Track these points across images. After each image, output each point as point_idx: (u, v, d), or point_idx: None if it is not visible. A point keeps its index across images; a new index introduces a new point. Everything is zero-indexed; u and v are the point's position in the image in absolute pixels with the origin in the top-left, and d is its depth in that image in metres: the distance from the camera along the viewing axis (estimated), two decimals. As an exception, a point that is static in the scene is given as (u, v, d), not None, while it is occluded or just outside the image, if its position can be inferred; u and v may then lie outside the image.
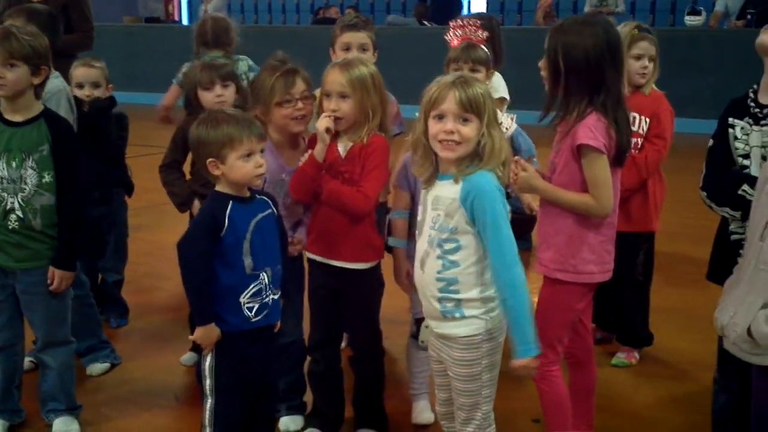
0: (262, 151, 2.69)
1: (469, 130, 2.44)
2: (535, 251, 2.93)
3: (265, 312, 2.72)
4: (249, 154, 2.64)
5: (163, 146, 3.61)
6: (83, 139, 3.32)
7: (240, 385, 2.73)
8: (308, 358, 3.28)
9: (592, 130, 2.68)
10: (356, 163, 2.95)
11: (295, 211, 3.22)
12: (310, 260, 3.15)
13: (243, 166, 2.63)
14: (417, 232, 2.66)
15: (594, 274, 2.80)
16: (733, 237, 2.76)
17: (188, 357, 3.89)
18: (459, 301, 2.51)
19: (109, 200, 4.21)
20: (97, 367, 3.85)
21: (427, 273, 2.56)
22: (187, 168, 3.58)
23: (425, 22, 13.24)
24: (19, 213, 3.05)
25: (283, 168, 3.13)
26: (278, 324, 2.83)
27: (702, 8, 11.68)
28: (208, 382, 2.71)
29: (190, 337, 2.74)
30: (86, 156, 3.28)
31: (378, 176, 2.96)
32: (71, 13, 5.38)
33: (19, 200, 3.05)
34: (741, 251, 2.51)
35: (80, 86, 4.00)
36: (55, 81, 3.55)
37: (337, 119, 2.93)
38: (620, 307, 4.03)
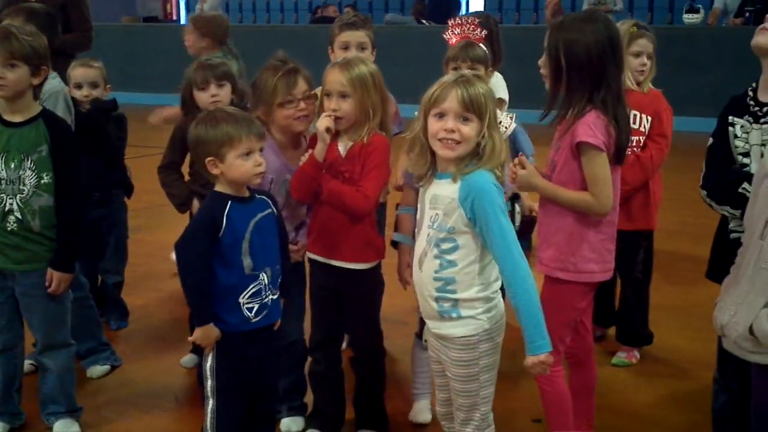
0: (261, 150, 2.69)
1: (470, 129, 2.44)
2: (535, 251, 2.92)
3: (265, 312, 2.72)
4: (248, 153, 2.64)
5: (162, 147, 3.61)
6: (82, 141, 3.31)
7: (240, 386, 2.72)
8: (309, 359, 3.27)
9: (591, 127, 2.68)
10: (356, 162, 2.95)
11: (299, 213, 3.22)
12: (310, 260, 3.14)
13: (242, 164, 2.63)
14: (416, 230, 2.65)
15: (595, 273, 2.80)
16: (733, 235, 2.75)
17: (188, 359, 3.89)
18: (456, 301, 2.51)
19: (108, 202, 4.20)
20: (97, 370, 3.84)
21: (424, 272, 2.55)
22: (185, 169, 3.58)
23: (423, 21, 13.24)
24: (18, 214, 3.05)
25: (287, 168, 3.12)
26: (278, 323, 2.82)
27: (700, 6, 11.69)
28: (209, 383, 2.71)
29: (190, 338, 2.73)
30: (85, 157, 3.28)
31: (378, 176, 2.96)
32: (70, 12, 5.38)
33: (18, 201, 3.04)
34: (739, 250, 2.50)
35: (78, 86, 4.00)
36: (53, 81, 3.54)
37: (337, 119, 2.93)
38: (620, 306, 4.03)
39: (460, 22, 3.52)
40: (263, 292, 2.70)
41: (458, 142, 2.44)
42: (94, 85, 4.02)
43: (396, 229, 3.23)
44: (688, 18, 11.65)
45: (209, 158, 2.62)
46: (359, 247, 3.01)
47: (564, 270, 2.77)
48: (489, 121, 2.45)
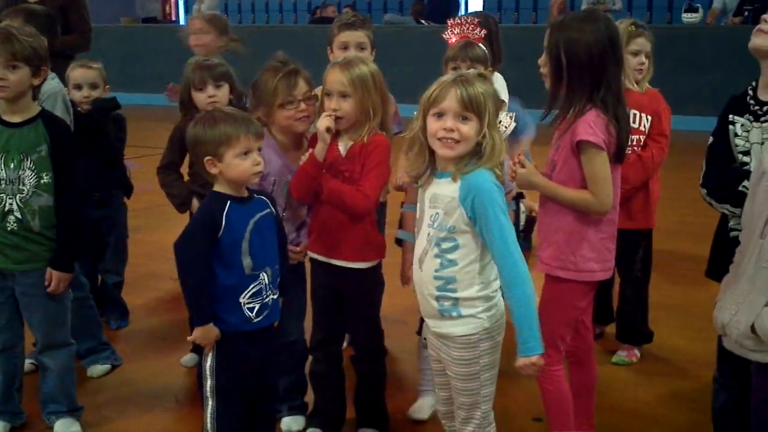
0: (259, 149, 2.69)
1: (469, 128, 2.44)
2: (535, 251, 2.93)
3: (266, 312, 2.72)
4: (246, 152, 2.64)
5: (162, 147, 3.61)
6: (81, 141, 3.31)
7: (240, 386, 2.72)
8: (309, 358, 3.28)
9: (591, 126, 2.68)
10: (356, 161, 2.95)
11: (300, 214, 3.22)
12: (311, 259, 3.14)
13: (240, 164, 2.63)
14: (416, 229, 2.66)
15: (595, 272, 2.80)
16: (733, 234, 2.75)
17: (189, 358, 3.89)
18: (456, 300, 2.51)
19: (108, 202, 4.20)
20: (97, 369, 3.85)
21: (425, 271, 2.55)
22: (185, 169, 3.58)
23: (422, 21, 13.25)
24: (18, 214, 3.05)
25: (288, 169, 3.12)
26: (276, 322, 2.82)
27: (699, 5, 11.69)
28: (209, 382, 2.70)
29: (189, 338, 2.73)
30: (85, 158, 3.28)
31: (378, 175, 2.96)
32: (69, 14, 5.38)
33: (18, 201, 3.05)
34: (737, 249, 2.50)
35: (78, 87, 4.00)
36: (51, 82, 3.55)
37: (337, 118, 2.93)
38: (620, 305, 4.04)
39: (459, 21, 3.52)
40: (264, 292, 2.71)
41: (457, 141, 2.44)
42: (93, 86, 4.02)
43: (400, 226, 3.23)
44: (687, 17, 11.66)
45: (207, 158, 2.62)
46: (359, 246, 3.01)
47: (564, 269, 2.78)
48: (488, 121, 2.45)
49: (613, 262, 2.85)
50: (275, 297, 2.76)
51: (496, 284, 2.53)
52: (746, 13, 11.02)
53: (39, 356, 3.28)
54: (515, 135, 2.74)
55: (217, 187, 2.69)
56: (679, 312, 4.56)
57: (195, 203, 3.43)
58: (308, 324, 3.26)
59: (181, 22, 17.87)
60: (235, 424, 2.73)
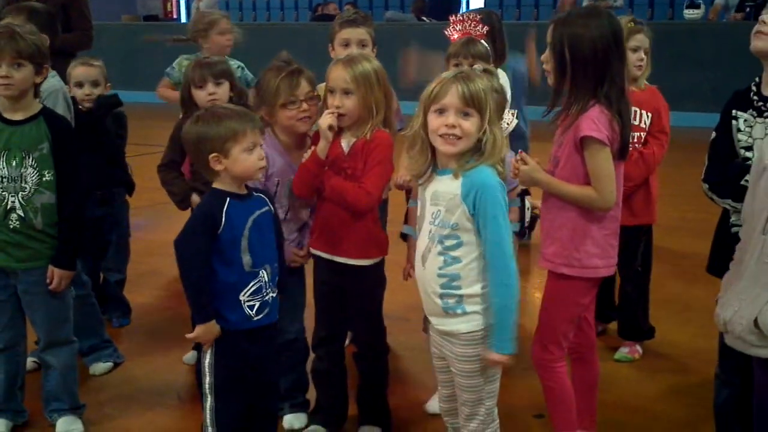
0: (260, 145, 2.69)
1: (470, 124, 2.44)
2: (538, 247, 2.92)
3: (266, 311, 2.72)
4: (252, 147, 2.64)
5: (163, 145, 3.61)
6: (82, 139, 3.31)
7: (240, 384, 2.72)
8: (312, 355, 3.28)
9: (595, 122, 2.67)
10: (359, 159, 2.95)
11: (301, 215, 3.22)
12: (314, 256, 3.15)
13: (247, 158, 2.64)
14: (417, 227, 2.66)
15: (599, 269, 2.80)
16: (734, 229, 2.75)
17: (191, 356, 3.89)
18: (461, 297, 2.51)
19: (110, 200, 4.20)
20: (99, 367, 3.85)
21: (428, 269, 2.55)
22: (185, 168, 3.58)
23: (423, 18, 13.24)
24: (20, 212, 3.05)
25: (292, 169, 3.12)
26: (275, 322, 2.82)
27: (701, 1, 11.69)
28: (207, 379, 2.70)
29: (189, 336, 2.70)
30: (86, 156, 3.28)
31: (380, 172, 2.96)
32: (70, 11, 5.38)
33: (20, 199, 3.05)
34: (737, 246, 2.50)
35: (79, 85, 4.00)
36: (51, 80, 3.55)
37: (340, 116, 2.93)
38: (621, 301, 4.04)
39: (461, 18, 3.52)
40: (263, 290, 2.70)
41: (459, 138, 2.44)
42: (95, 84, 4.02)
43: (405, 221, 3.23)
44: (689, 13, 11.66)
45: (214, 155, 2.61)
46: (362, 243, 3.01)
47: (568, 266, 2.77)
48: (489, 117, 2.45)
49: (616, 259, 2.85)
50: (275, 295, 2.76)
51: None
52: (748, 10, 11.01)
53: (41, 354, 3.28)
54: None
55: (217, 185, 2.69)
56: (681, 308, 4.56)
57: (195, 198, 3.42)
58: (310, 321, 3.26)
59: (182, 19, 17.86)
60: (235, 421, 2.73)
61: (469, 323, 2.52)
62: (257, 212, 2.70)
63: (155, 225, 5.87)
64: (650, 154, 3.78)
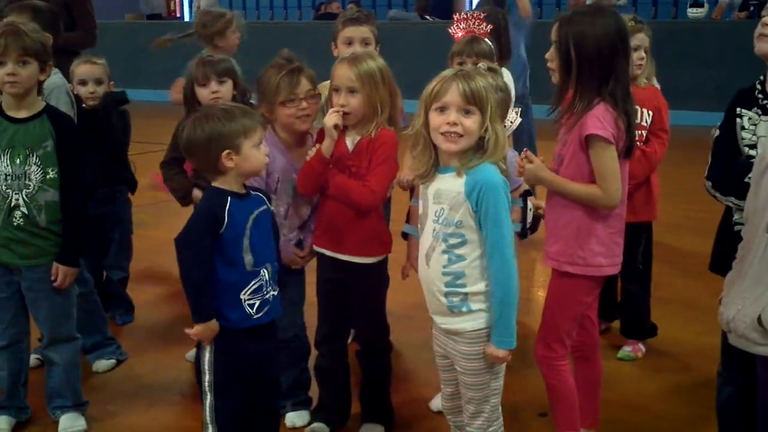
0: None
1: (472, 122, 2.44)
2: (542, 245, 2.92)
3: (266, 309, 2.71)
4: (259, 143, 2.65)
5: (166, 143, 3.61)
6: (85, 137, 3.32)
7: (239, 381, 2.71)
8: (314, 353, 3.28)
9: (600, 120, 2.67)
10: (363, 157, 2.95)
11: (302, 213, 3.22)
12: (317, 254, 3.15)
13: (256, 154, 2.64)
14: (419, 226, 2.65)
15: (603, 267, 2.80)
16: (737, 228, 2.74)
17: (194, 353, 3.88)
18: (466, 295, 2.51)
19: (113, 198, 4.21)
20: (102, 364, 3.86)
21: (432, 268, 2.55)
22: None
23: (427, 17, 13.23)
24: (24, 209, 3.06)
25: (292, 166, 3.12)
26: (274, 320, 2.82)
27: (704, 0, 11.67)
28: (207, 377, 2.69)
29: (189, 332, 2.66)
30: (90, 154, 3.29)
31: (385, 171, 2.96)
32: (74, 10, 5.39)
33: (24, 197, 3.05)
34: (739, 245, 2.49)
35: (83, 83, 4.00)
36: (54, 77, 3.55)
37: (345, 114, 2.93)
38: (623, 299, 4.04)
39: (465, 16, 3.52)
40: (264, 288, 2.70)
41: (461, 136, 2.44)
42: (98, 82, 4.03)
43: (407, 220, 3.23)
44: (693, 12, 11.64)
45: (227, 151, 2.59)
46: (366, 241, 3.01)
47: (573, 264, 2.77)
48: (490, 114, 2.45)
49: (620, 257, 2.84)
50: (275, 293, 2.75)
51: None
52: (752, 8, 11.00)
53: (45, 351, 3.29)
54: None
55: (218, 184, 2.67)
56: (684, 307, 4.55)
57: (197, 194, 3.41)
58: (313, 319, 3.26)
59: (186, 18, 17.86)
60: (235, 419, 2.72)
61: (474, 321, 2.52)
62: (256, 211, 2.69)
63: (158, 222, 5.87)
64: (652, 152, 3.79)
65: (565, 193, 2.76)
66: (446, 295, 2.53)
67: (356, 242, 3.00)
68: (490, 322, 2.51)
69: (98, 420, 3.39)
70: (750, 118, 2.73)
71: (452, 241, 2.50)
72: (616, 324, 4.16)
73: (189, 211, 3.59)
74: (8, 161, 3.05)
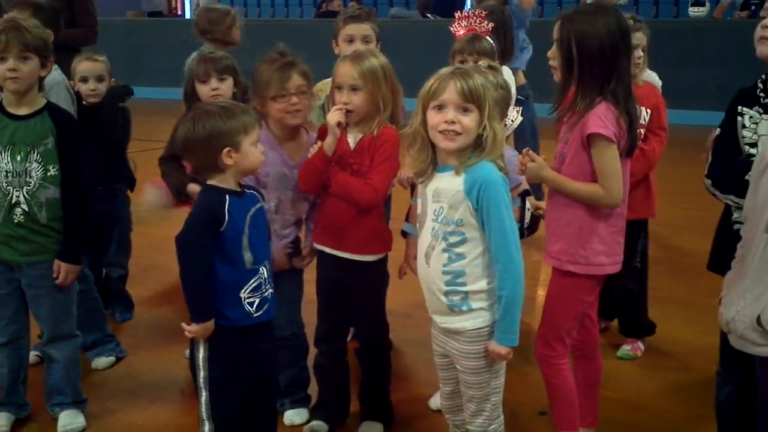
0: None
1: (470, 120, 2.44)
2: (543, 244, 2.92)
3: (265, 307, 2.71)
4: (257, 140, 2.65)
5: (166, 141, 3.61)
6: (86, 133, 3.31)
7: (236, 378, 2.70)
8: (314, 351, 3.28)
9: (602, 119, 2.67)
10: (365, 155, 2.95)
11: (299, 209, 3.22)
12: (318, 251, 3.14)
13: (254, 151, 2.64)
14: (418, 225, 2.65)
15: (605, 266, 2.80)
16: (736, 226, 2.74)
17: (192, 350, 3.90)
18: (466, 293, 2.51)
19: (112, 196, 4.20)
20: (102, 361, 3.86)
21: (432, 267, 2.55)
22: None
23: (428, 15, 13.22)
24: (25, 206, 3.06)
25: (284, 162, 3.12)
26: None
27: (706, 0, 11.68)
28: (202, 374, 2.69)
29: (186, 328, 2.65)
30: (90, 151, 3.28)
31: (387, 169, 2.96)
32: (75, 7, 5.39)
33: (25, 194, 3.05)
34: (738, 244, 2.49)
35: (84, 80, 4.00)
36: (54, 74, 3.55)
37: (348, 112, 2.93)
38: (621, 297, 4.03)
39: (466, 14, 3.52)
40: (263, 286, 2.70)
41: (459, 134, 2.44)
42: (99, 79, 4.02)
43: (407, 219, 3.23)
44: (694, 11, 11.64)
45: (227, 148, 2.59)
46: (366, 239, 3.01)
47: (574, 263, 2.77)
48: (488, 112, 2.45)
49: (622, 256, 2.85)
50: (272, 291, 2.75)
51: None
52: (753, 8, 11.00)
53: (45, 348, 3.29)
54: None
55: (215, 182, 2.66)
56: (683, 306, 4.56)
57: (192, 188, 3.38)
58: (312, 317, 3.26)
59: (187, 15, 17.86)
60: (231, 415, 2.71)
61: (475, 320, 2.52)
62: (253, 209, 2.69)
63: (158, 220, 5.87)
64: (651, 151, 3.80)
65: (566, 192, 2.76)
66: (446, 293, 2.53)
67: (357, 240, 3.00)
68: (492, 319, 2.51)
69: (97, 417, 3.39)
70: (751, 117, 2.72)
71: (452, 239, 2.50)
72: (615, 323, 4.16)
73: (188, 208, 3.60)
74: (9, 158, 3.05)
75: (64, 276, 3.11)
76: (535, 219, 3.40)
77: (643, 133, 3.80)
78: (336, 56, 3.45)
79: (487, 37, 3.49)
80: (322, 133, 3.01)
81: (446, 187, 2.50)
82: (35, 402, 3.36)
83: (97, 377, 3.76)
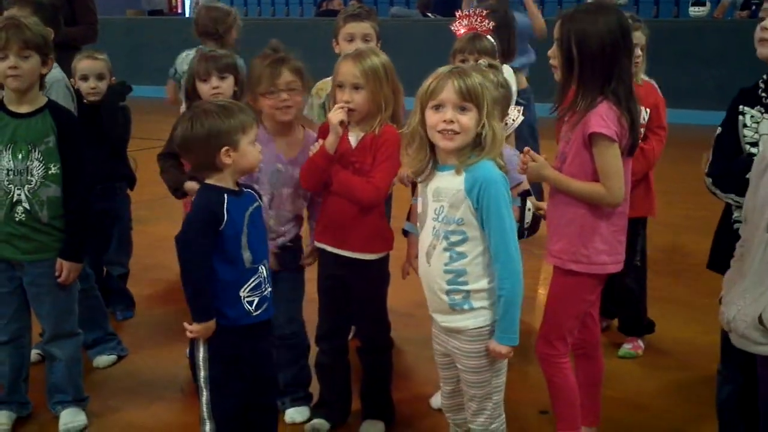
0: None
1: (468, 119, 2.44)
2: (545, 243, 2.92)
3: (264, 306, 2.71)
4: (255, 139, 2.65)
5: (166, 139, 3.61)
6: (86, 132, 3.31)
7: (236, 378, 2.70)
8: (315, 350, 3.28)
9: (603, 118, 2.67)
10: (367, 153, 2.95)
11: (297, 205, 3.21)
12: (319, 250, 3.15)
13: (252, 150, 2.64)
14: (418, 224, 2.65)
15: (606, 265, 2.80)
16: (736, 226, 2.74)
17: (193, 349, 3.89)
18: (468, 292, 2.51)
19: (112, 194, 4.20)
20: (103, 359, 3.86)
21: (433, 266, 2.55)
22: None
23: (429, 14, 13.22)
24: (26, 205, 3.05)
25: (277, 157, 3.12)
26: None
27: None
28: (202, 373, 2.68)
29: (188, 328, 2.64)
30: (89, 149, 3.28)
31: (389, 167, 2.96)
32: (75, 5, 5.38)
33: (26, 192, 3.05)
34: (738, 243, 2.49)
35: (84, 78, 4.00)
36: (53, 71, 3.54)
37: (350, 111, 2.92)
38: (621, 296, 4.04)
39: (467, 13, 3.51)
40: (263, 285, 2.70)
41: (457, 133, 2.44)
42: (100, 77, 4.02)
43: (408, 218, 3.23)
44: (694, 11, 11.64)
45: (226, 148, 2.58)
46: (368, 237, 3.01)
47: (576, 262, 2.77)
48: (487, 110, 2.45)
49: (623, 255, 2.85)
50: (271, 290, 2.75)
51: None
52: (753, 8, 11.00)
53: (46, 346, 3.29)
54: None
55: (212, 181, 2.65)
56: (684, 305, 4.56)
57: (190, 186, 3.38)
58: (313, 315, 3.26)
59: (187, 14, 17.85)
60: (231, 414, 2.71)
61: (476, 319, 2.52)
62: (251, 207, 2.69)
63: (159, 218, 5.87)
64: (650, 149, 3.80)
65: (568, 191, 2.76)
66: (448, 292, 2.53)
67: (359, 239, 3.00)
68: (493, 318, 2.51)
69: (99, 415, 3.39)
70: (752, 116, 2.72)
71: (453, 238, 2.50)
72: (616, 322, 4.16)
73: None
74: (10, 156, 3.04)
75: (66, 274, 3.11)
76: (536, 219, 3.40)
77: (642, 132, 3.80)
78: (336, 55, 3.45)
79: (488, 36, 3.49)
80: (323, 132, 3.01)
81: (447, 186, 2.50)
82: (37, 400, 3.36)
83: (98, 376, 3.76)
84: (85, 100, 3.96)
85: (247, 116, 2.63)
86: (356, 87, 2.92)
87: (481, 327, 2.52)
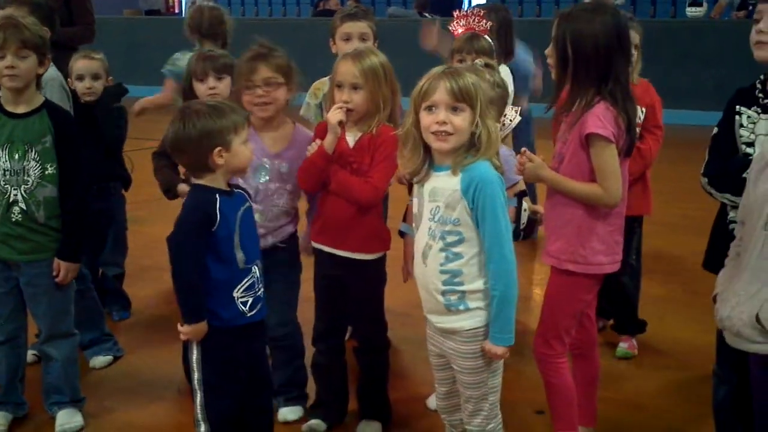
0: None
1: (461, 120, 2.43)
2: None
3: (258, 306, 2.70)
4: (247, 139, 2.64)
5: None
6: (81, 132, 3.30)
7: (230, 379, 2.69)
8: (311, 350, 3.28)
9: (600, 119, 2.67)
10: (365, 153, 2.95)
11: (288, 200, 3.20)
12: (316, 250, 3.14)
13: (244, 150, 2.63)
14: (414, 225, 2.64)
15: (603, 265, 2.80)
16: (732, 226, 2.75)
17: (189, 350, 3.88)
18: (463, 293, 2.51)
19: (107, 195, 4.19)
20: (99, 360, 3.85)
21: (429, 266, 2.54)
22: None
23: (426, 14, 13.21)
24: (23, 205, 3.05)
25: (264, 151, 3.11)
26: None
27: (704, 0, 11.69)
28: (196, 375, 2.67)
29: (181, 329, 2.63)
30: (85, 150, 3.27)
31: (387, 167, 2.95)
32: (72, 5, 5.39)
33: (23, 192, 3.05)
34: (732, 243, 2.49)
35: (80, 78, 4.00)
36: (49, 70, 3.54)
37: (348, 111, 2.92)
38: (618, 295, 4.04)
39: (465, 13, 3.52)
40: (256, 285, 2.69)
41: (450, 134, 2.43)
42: (96, 77, 4.02)
43: (404, 219, 3.22)
44: (692, 11, 11.65)
45: (219, 148, 2.57)
46: (365, 237, 3.01)
47: (573, 262, 2.77)
48: (480, 110, 2.44)
49: (620, 255, 2.85)
50: (264, 290, 2.74)
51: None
52: (750, 8, 11.00)
53: (43, 347, 3.28)
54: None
55: (204, 182, 2.64)
56: (681, 305, 4.56)
57: (182, 188, 3.37)
58: (310, 315, 3.26)
59: (184, 14, 17.83)
60: (226, 415, 2.71)
61: (472, 320, 2.52)
62: (242, 208, 2.68)
63: (155, 219, 5.87)
64: (647, 149, 3.80)
65: (565, 192, 2.76)
66: (444, 293, 2.52)
67: (356, 239, 3.00)
68: (488, 319, 2.51)
69: (95, 416, 3.38)
70: (749, 117, 2.72)
71: (449, 239, 2.49)
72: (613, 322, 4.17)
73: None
74: (7, 156, 3.04)
75: (64, 274, 3.10)
76: (531, 222, 3.40)
77: (639, 131, 3.80)
78: (333, 55, 3.45)
79: (486, 36, 3.48)
80: (320, 132, 3.01)
81: (443, 186, 2.50)
82: (33, 401, 3.36)
83: (94, 376, 3.76)
84: (80, 100, 3.95)
85: (238, 116, 2.62)
86: (355, 87, 2.92)
87: (477, 328, 2.52)
